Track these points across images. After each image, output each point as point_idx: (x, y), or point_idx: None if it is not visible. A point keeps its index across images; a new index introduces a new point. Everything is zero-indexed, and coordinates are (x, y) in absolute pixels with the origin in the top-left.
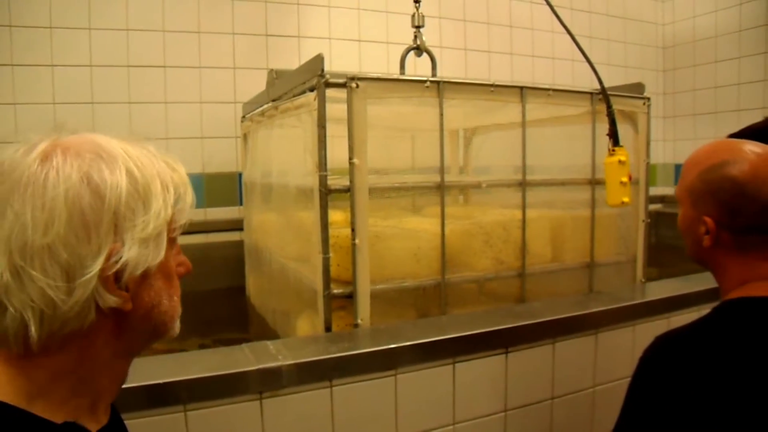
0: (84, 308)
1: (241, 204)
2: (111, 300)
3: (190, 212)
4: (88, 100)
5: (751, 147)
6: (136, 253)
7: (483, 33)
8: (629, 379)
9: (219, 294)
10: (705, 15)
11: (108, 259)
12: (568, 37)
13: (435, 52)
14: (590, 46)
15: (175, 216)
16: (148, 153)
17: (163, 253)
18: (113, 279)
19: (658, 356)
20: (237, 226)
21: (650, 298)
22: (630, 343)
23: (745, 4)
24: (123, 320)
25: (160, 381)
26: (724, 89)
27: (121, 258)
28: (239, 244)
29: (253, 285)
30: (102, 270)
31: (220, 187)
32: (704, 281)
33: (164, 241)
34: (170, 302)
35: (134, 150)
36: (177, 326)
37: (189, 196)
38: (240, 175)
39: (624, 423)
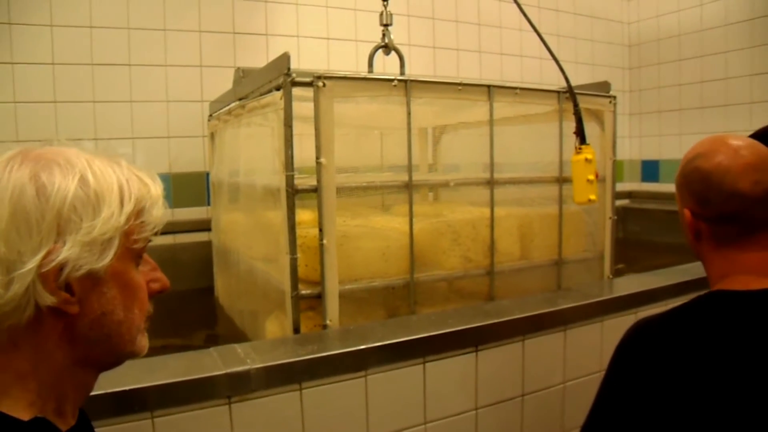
0: (21, 303)
1: (208, 204)
2: (49, 298)
3: (158, 230)
4: (50, 99)
5: (733, 140)
6: (77, 254)
7: (451, 31)
8: (599, 374)
9: (187, 295)
10: (669, 14)
11: (47, 256)
12: (536, 35)
13: (403, 50)
14: (558, 44)
15: (136, 228)
16: (117, 166)
17: (108, 260)
18: (52, 277)
19: (633, 341)
20: (205, 226)
21: (618, 293)
22: (598, 339)
23: (707, 5)
24: (72, 324)
25: (127, 388)
26: (687, 87)
27: (59, 257)
28: (207, 245)
29: (221, 286)
30: (39, 266)
31: (187, 187)
32: (671, 276)
33: (113, 248)
34: (127, 314)
35: (99, 162)
36: (140, 342)
37: (157, 211)
38: (207, 174)
39: (598, 407)
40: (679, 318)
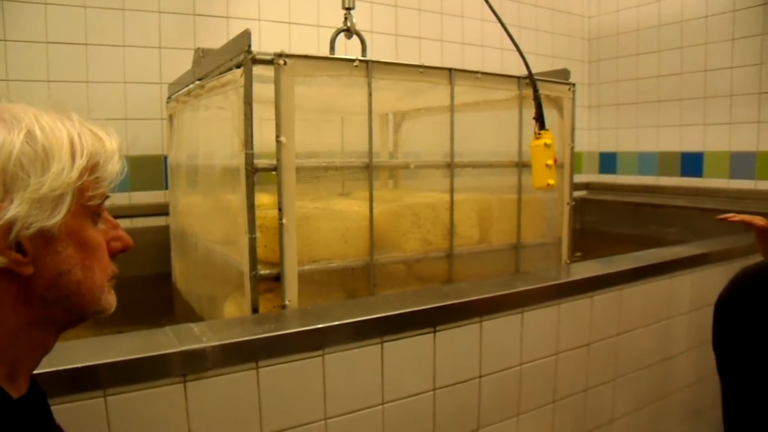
0: None
1: (166, 188)
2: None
3: (115, 185)
4: (2, 77)
5: None
6: (26, 212)
7: (414, 19)
8: (555, 356)
9: (144, 280)
10: (628, 9)
11: None
12: (497, 25)
13: (366, 36)
14: (519, 36)
15: (90, 184)
16: (68, 121)
17: (60, 217)
18: (1, 237)
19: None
20: (163, 210)
21: (574, 277)
22: (555, 322)
23: (665, 1)
24: (27, 286)
25: (78, 365)
26: (644, 81)
27: (6, 215)
28: (165, 229)
29: (179, 270)
30: None
31: (145, 171)
32: (624, 262)
33: (66, 204)
34: (86, 273)
35: (48, 116)
36: (105, 301)
37: (113, 166)
38: (165, 158)
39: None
40: None
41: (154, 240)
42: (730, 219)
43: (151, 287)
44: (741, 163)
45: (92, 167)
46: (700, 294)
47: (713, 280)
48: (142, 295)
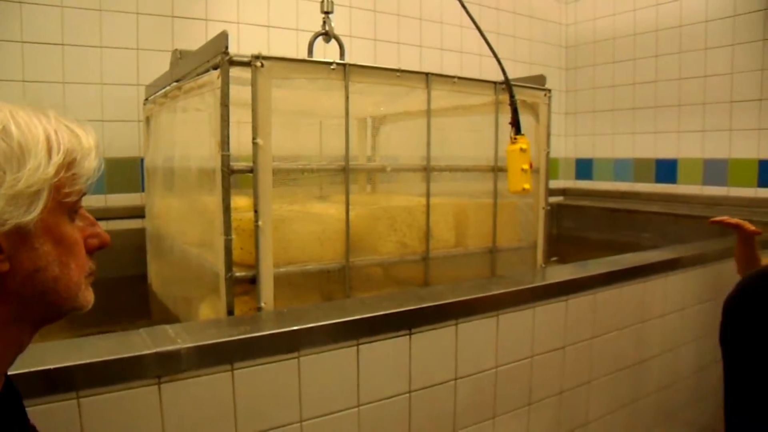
0: None
1: (143, 190)
2: None
3: (92, 181)
4: None
5: None
6: (1, 208)
7: (393, 24)
8: (531, 359)
9: (120, 282)
10: (604, 18)
11: None
12: (476, 32)
13: (345, 41)
14: (497, 42)
15: (67, 180)
16: (44, 117)
17: (37, 213)
18: None
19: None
20: (138, 213)
21: (549, 281)
22: (530, 324)
23: (640, 10)
24: (2, 282)
25: (51, 366)
26: (620, 88)
27: None
28: (141, 232)
29: (155, 273)
30: None
31: (121, 173)
32: (599, 266)
33: (42, 200)
34: (63, 270)
35: (24, 112)
36: (82, 297)
37: (90, 163)
38: (142, 160)
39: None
40: None
41: (130, 242)
42: (725, 222)
43: (127, 289)
44: (714, 169)
45: (69, 164)
46: (673, 298)
47: (686, 284)
48: (118, 297)
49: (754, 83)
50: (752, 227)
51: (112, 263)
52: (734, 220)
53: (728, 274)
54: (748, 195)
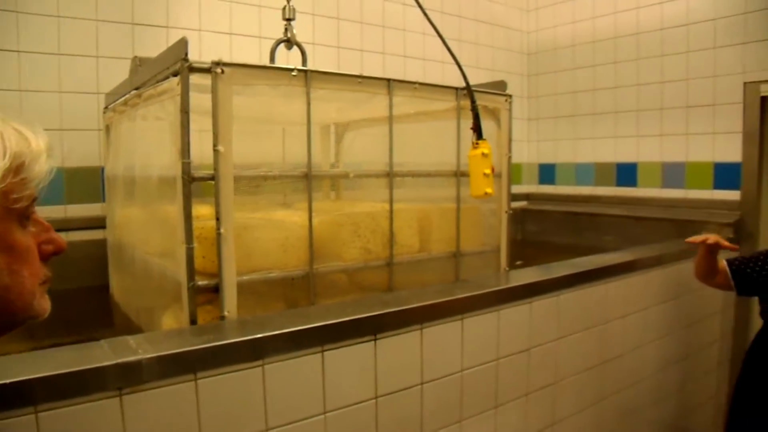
0: None
1: (104, 200)
2: None
3: (44, 186)
4: None
5: None
6: None
7: (356, 32)
8: (496, 362)
9: (81, 293)
10: (564, 25)
11: None
12: (438, 39)
13: (308, 48)
14: (459, 49)
15: (15, 186)
16: None
17: None
18: None
19: None
20: (99, 223)
21: (513, 284)
22: (495, 327)
23: (599, 18)
24: None
25: (6, 381)
26: (581, 94)
27: None
28: (102, 243)
29: (116, 283)
30: None
31: (81, 183)
32: (561, 269)
33: None
34: (14, 278)
35: None
36: (38, 305)
37: (40, 167)
38: (102, 169)
39: None
40: None
41: (91, 253)
42: (708, 243)
43: (88, 301)
44: (672, 173)
45: (17, 168)
46: (634, 298)
47: (647, 285)
48: (80, 309)
49: (707, 89)
50: (728, 244)
51: (73, 274)
52: (713, 239)
53: (687, 275)
54: (705, 197)
